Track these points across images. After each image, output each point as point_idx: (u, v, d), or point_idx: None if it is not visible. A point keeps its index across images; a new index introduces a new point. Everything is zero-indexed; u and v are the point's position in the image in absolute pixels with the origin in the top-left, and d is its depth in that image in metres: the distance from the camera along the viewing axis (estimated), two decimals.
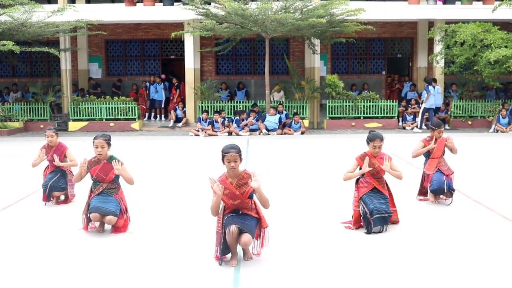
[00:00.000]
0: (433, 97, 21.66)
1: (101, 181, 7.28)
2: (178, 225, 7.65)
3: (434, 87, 21.84)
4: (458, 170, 9.78)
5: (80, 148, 14.61)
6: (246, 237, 5.85)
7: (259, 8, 19.75)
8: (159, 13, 23.13)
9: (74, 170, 9.36)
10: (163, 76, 25.38)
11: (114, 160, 7.13)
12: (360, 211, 7.29)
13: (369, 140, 7.30)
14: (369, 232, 7.13)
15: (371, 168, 7.21)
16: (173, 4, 22.92)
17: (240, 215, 6.00)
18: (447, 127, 22.13)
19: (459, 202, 8.87)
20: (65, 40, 23.88)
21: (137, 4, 23.21)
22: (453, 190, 8.76)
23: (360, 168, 7.28)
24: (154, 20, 24.22)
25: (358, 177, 7.39)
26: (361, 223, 7.32)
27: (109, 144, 7.33)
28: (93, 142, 7.27)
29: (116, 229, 7.25)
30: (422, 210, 8.40)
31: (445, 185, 8.64)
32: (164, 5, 23.11)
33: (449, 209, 8.44)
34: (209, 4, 21.40)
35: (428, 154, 8.94)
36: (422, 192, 9.12)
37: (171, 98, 24.96)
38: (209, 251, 6.23)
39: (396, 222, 7.55)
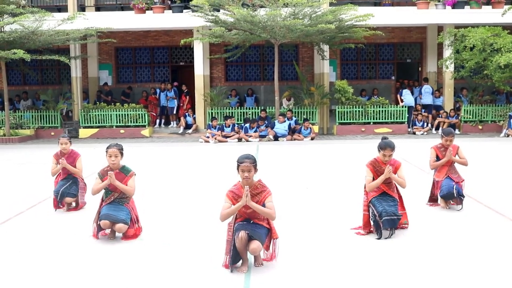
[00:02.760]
0: (410, 96, 23.30)
1: (113, 191, 7.28)
2: (188, 231, 7.64)
3: (422, 87, 23.84)
4: (468, 176, 9.74)
5: (90, 155, 14.67)
6: (255, 244, 5.84)
7: (268, 14, 19.79)
8: (169, 20, 23.22)
9: (88, 182, 9.39)
10: (175, 83, 25.40)
11: (109, 170, 7.21)
12: (370, 215, 7.30)
13: (380, 148, 7.30)
14: (379, 237, 7.11)
15: (387, 176, 7.22)
16: (182, 11, 23.00)
17: (251, 224, 5.99)
18: (457, 132, 22.07)
19: (470, 208, 8.81)
20: (75, 48, 24.06)
21: (147, 11, 23.30)
22: (463, 196, 8.71)
23: (374, 177, 7.30)
24: (164, 27, 24.30)
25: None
26: (371, 228, 7.31)
27: (122, 154, 7.36)
28: (107, 151, 7.27)
29: (127, 237, 7.24)
30: (433, 216, 8.35)
31: (454, 189, 8.61)
32: (173, 12, 23.20)
33: (460, 215, 8.39)
34: (218, 11, 21.45)
35: (438, 161, 8.90)
36: (433, 199, 9.09)
37: (181, 105, 25.00)
38: (220, 257, 6.21)
39: (405, 225, 7.54)
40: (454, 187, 8.62)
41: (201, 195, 10.19)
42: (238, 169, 5.92)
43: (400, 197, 7.53)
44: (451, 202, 8.87)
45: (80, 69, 24.45)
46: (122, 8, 24.98)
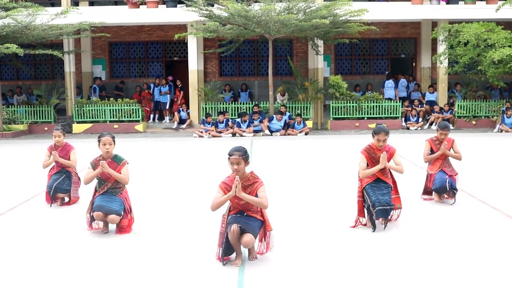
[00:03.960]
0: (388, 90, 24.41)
1: (106, 180, 7.27)
2: (182, 225, 7.64)
3: (398, 80, 24.84)
4: (462, 170, 9.77)
5: (85, 150, 14.63)
6: (247, 237, 5.85)
7: (262, 9, 19.77)
8: (162, 15, 23.16)
9: (81, 174, 9.37)
10: (170, 78, 25.33)
11: (101, 160, 7.16)
12: (364, 201, 7.34)
13: (374, 133, 7.27)
14: (374, 229, 7.17)
15: (383, 166, 7.20)
16: (176, 6, 22.94)
17: (244, 216, 6.00)
18: (451, 127, 22.11)
19: (464, 202, 8.84)
20: (68, 42, 23.98)
21: (140, 6, 23.22)
22: (456, 190, 8.74)
23: (368, 163, 7.29)
24: (157, 22, 24.25)
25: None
26: (365, 215, 7.35)
27: (114, 142, 7.35)
28: (100, 140, 7.24)
29: (121, 229, 7.26)
30: (426, 210, 8.37)
31: (447, 183, 8.64)
32: (167, 7, 23.14)
33: (453, 209, 8.41)
34: (212, 5, 21.41)
35: (432, 154, 8.91)
36: (427, 191, 9.10)
37: (175, 100, 24.94)
38: (213, 251, 6.21)
39: (399, 208, 7.60)
40: (447, 180, 8.65)
41: (194, 190, 10.19)
42: (228, 161, 5.94)
43: (394, 182, 7.55)
44: (445, 196, 8.90)
45: (73, 64, 24.37)
46: (116, 2, 24.93)
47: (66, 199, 9.19)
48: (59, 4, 23.51)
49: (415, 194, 9.27)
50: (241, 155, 5.89)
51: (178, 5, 22.88)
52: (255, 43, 26.65)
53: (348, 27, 21.52)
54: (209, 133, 20.48)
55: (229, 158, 5.91)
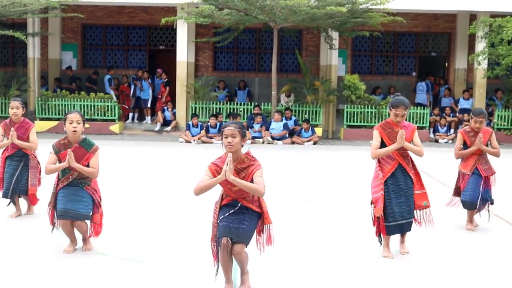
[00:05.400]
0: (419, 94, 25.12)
1: (72, 169, 7.20)
2: (160, 248, 7.66)
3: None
4: (499, 193, 9.78)
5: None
6: (238, 247, 5.85)
7: None
8: None
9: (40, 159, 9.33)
10: (159, 70, 25.27)
11: (69, 150, 7.09)
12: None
13: (392, 106, 7.24)
14: (381, 244, 7.37)
15: (400, 145, 7.12)
16: None
17: (237, 213, 5.95)
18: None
19: (499, 229, 8.91)
20: (34, 22, 23.96)
21: None
22: (491, 201, 8.86)
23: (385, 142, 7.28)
24: (141, 2, 24.34)
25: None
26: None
27: (84, 123, 7.31)
28: (67, 117, 7.17)
29: (95, 229, 7.42)
30: (450, 234, 8.39)
31: (478, 200, 8.70)
32: None
33: (483, 236, 8.44)
34: None
35: (466, 148, 8.87)
36: (458, 192, 9.14)
37: (159, 96, 24.95)
38: (197, 279, 6.22)
39: (426, 206, 7.54)
40: (480, 196, 8.69)
41: (177, 207, 10.20)
42: (222, 136, 5.91)
43: (417, 173, 7.51)
44: (476, 224, 8.98)
45: (38, 49, 24.40)
46: None
47: (24, 209, 9.23)
48: None
49: (439, 220, 9.29)
50: (238, 127, 5.87)
51: None
52: (257, 33, 26.73)
53: (369, 18, 21.59)
54: (199, 138, 20.52)
55: (223, 131, 5.89)
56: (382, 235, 7.43)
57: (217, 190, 6.03)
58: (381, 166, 7.34)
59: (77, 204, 7.19)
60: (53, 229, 7.48)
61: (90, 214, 7.30)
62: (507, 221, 9.53)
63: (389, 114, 7.34)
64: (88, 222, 7.38)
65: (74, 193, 7.22)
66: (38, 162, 9.20)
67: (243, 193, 5.93)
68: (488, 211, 8.94)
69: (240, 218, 5.93)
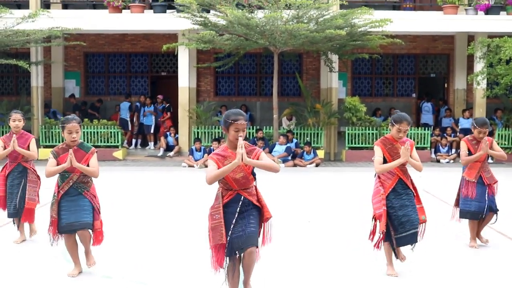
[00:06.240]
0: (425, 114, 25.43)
1: (71, 172, 7.23)
2: (173, 269, 7.66)
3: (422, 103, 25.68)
4: (503, 212, 9.77)
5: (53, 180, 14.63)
6: (251, 248, 5.90)
7: (266, 17, 19.90)
8: (149, 21, 23.34)
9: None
10: (160, 96, 25.34)
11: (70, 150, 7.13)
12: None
13: (395, 121, 7.26)
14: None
15: (405, 160, 7.16)
16: (165, 12, 23.12)
17: (242, 217, 5.97)
18: (490, 160, 22.09)
19: (503, 247, 8.88)
20: (37, 51, 24.07)
21: (123, 11, 23.39)
22: (497, 210, 8.92)
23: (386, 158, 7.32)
24: (143, 30, 24.44)
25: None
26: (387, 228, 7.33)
27: (81, 129, 7.39)
28: (64, 126, 7.21)
29: (96, 237, 7.43)
30: (454, 251, 8.37)
31: (485, 210, 8.76)
32: (154, 12, 23.33)
33: (487, 252, 8.41)
34: (208, 11, 21.55)
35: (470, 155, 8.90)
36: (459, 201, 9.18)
37: (161, 122, 24.99)
38: None
39: (424, 221, 7.54)
40: (485, 207, 8.75)
41: (181, 231, 10.19)
42: (229, 127, 5.93)
43: (415, 188, 7.54)
44: (483, 239, 9.02)
45: (42, 78, 24.50)
46: (94, 6, 25.13)
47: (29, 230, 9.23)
48: (26, 6, 23.64)
49: (444, 238, 9.27)
50: (246, 120, 5.98)
51: (168, 11, 23.05)
52: (258, 57, 26.83)
53: (368, 40, 21.66)
54: (203, 163, 20.54)
55: (232, 123, 5.89)
56: (385, 252, 7.48)
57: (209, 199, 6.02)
58: (381, 182, 7.35)
59: (80, 214, 7.23)
60: (53, 241, 7.44)
61: (92, 221, 7.33)
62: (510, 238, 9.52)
63: (391, 125, 7.36)
64: (90, 231, 7.39)
65: (75, 204, 7.25)
66: (38, 177, 9.19)
67: (246, 182, 5.99)
68: (496, 217, 9.00)
69: (246, 221, 5.98)
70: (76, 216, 7.21)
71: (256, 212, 6.09)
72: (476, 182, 8.83)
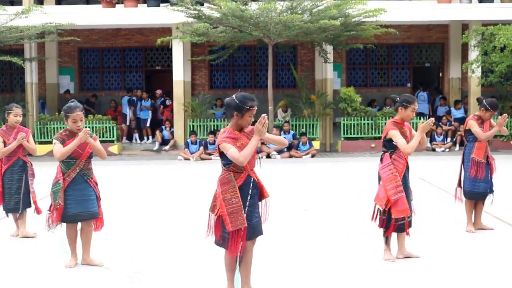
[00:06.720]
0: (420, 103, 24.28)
1: (77, 158, 7.23)
2: (170, 260, 7.64)
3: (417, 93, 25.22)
4: (499, 199, 9.78)
5: (49, 176, 14.60)
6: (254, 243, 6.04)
7: (260, 8, 19.85)
8: (143, 16, 23.28)
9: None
10: (159, 91, 25.27)
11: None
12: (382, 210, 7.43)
13: (408, 103, 7.46)
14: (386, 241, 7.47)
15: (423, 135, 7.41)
16: (159, 5, 23.06)
17: (252, 202, 5.97)
18: None
19: (504, 232, 8.93)
20: (30, 48, 23.99)
21: (117, 5, 23.34)
22: (492, 191, 9.10)
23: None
24: (137, 24, 24.37)
25: (391, 151, 7.46)
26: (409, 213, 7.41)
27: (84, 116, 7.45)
28: (69, 115, 7.19)
29: (95, 221, 7.42)
30: (456, 238, 8.36)
31: (488, 191, 8.98)
32: (148, 6, 23.27)
33: (488, 239, 8.41)
34: (202, 4, 21.52)
35: (475, 137, 8.99)
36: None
37: (160, 115, 24.99)
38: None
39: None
40: (490, 187, 8.97)
41: (177, 225, 10.17)
42: (245, 113, 5.88)
43: None
44: (483, 225, 9.09)
45: (36, 74, 24.42)
46: (88, 1, 25.11)
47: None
48: (20, 3, 23.61)
49: (444, 225, 9.26)
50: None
51: (161, 4, 22.99)
52: (252, 50, 26.78)
53: (363, 30, 21.62)
54: (199, 156, 20.52)
55: (249, 109, 5.87)
56: (388, 237, 7.52)
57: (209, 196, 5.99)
58: (395, 166, 7.41)
59: (87, 204, 7.28)
60: (53, 229, 7.37)
61: (98, 210, 7.40)
62: (508, 223, 9.52)
63: (404, 108, 7.48)
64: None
65: (82, 194, 7.27)
66: (33, 170, 9.17)
67: (253, 161, 6.00)
68: (493, 197, 9.14)
69: (254, 208, 6.01)
70: (83, 206, 7.24)
71: (258, 196, 6.09)
72: (484, 163, 8.95)
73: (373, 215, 7.53)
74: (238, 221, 5.81)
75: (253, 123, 5.86)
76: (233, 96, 5.89)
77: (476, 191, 8.92)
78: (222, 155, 5.90)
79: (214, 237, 5.96)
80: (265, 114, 5.82)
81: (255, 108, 5.90)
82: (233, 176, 5.89)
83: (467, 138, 9.12)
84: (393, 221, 7.35)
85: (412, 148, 7.28)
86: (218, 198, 5.87)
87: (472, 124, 9.00)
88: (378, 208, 7.46)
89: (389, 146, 7.44)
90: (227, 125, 6.00)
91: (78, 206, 7.21)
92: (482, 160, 8.90)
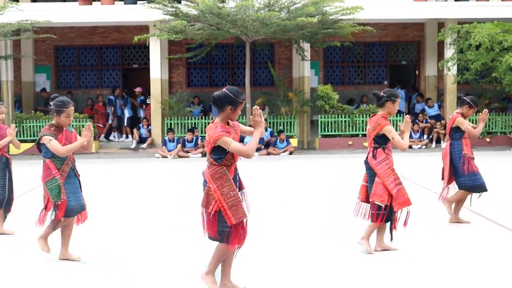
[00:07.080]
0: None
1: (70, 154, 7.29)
2: (149, 255, 7.60)
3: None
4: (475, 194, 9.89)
5: (26, 174, 14.57)
6: None
7: (238, 6, 19.85)
8: (120, 13, 23.14)
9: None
10: (139, 89, 25.15)
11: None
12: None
13: (396, 97, 7.70)
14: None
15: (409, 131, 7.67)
16: (136, 3, 22.98)
17: (240, 188, 6.04)
18: None
19: (481, 226, 9.01)
20: (6, 45, 23.76)
21: (93, 3, 23.23)
22: None
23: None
24: (114, 22, 24.24)
25: (383, 146, 7.55)
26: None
27: None
28: (63, 110, 7.14)
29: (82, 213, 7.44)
30: (438, 233, 8.40)
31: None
32: (125, 4, 23.14)
33: (469, 233, 8.45)
34: (179, 2, 21.44)
35: (462, 134, 9.14)
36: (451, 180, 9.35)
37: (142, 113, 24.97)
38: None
39: None
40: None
41: (155, 221, 10.12)
42: (238, 106, 5.84)
43: None
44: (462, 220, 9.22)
45: (11, 72, 24.18)
46: None
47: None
48: None
49: (421, 219, 9.30)
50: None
51: (138, 2, 22.95)
52: (230, 48, 26.74)
53: (340, 28, 21.66)
54: (177, 154, 20.47)
55: (242, 102, 5.86)
56: (377, 228, 7.59)
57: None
58: (390, 160, 7.52)
59: (79, 196, 7.36)
60: (56, 226, 7.32)
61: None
62: (486, 217, 9.58)
63: (390, 102, 7.69)
64: None
65: (74, 187, 7.33)
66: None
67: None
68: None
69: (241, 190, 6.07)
70: (76, 199, 7.29)
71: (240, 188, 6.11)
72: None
73: (370, 212, 7.53)
74: (240, 213, 5.83)
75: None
76: (224, 89, 5.85)
77: (478, 183, 9.08)
78: (214, 149, 5.82)
79: (208, 233, 5.91)
80: (256, 106, 5.85)
81: (244, 103, 5.92)
82: (226, 170, 5.85)
83: (453, 135, 9.18)
84: (396, 214, 7.51)
85: (407, 145, 7.49)
86: (214, 193, 5.77)
87: (462, 121, 9.09)
88: (377, 204, 7.41)
89: (381, 141, 7.50)
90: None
91: (73, 199, 7.24)
92: (472, 156, 9.11)
